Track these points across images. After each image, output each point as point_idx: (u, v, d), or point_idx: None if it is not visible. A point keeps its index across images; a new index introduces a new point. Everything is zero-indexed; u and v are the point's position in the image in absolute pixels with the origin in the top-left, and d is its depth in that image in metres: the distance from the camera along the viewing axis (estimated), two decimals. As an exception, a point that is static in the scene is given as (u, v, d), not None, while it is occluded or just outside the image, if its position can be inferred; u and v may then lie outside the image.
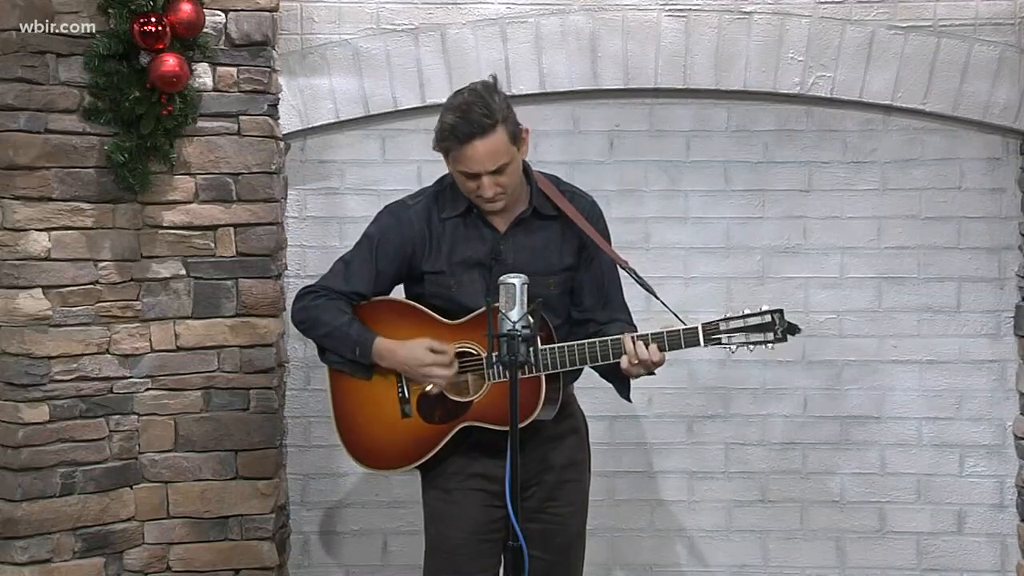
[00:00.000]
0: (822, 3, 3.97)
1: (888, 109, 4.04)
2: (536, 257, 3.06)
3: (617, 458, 4.06)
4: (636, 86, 4.02)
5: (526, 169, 3.08)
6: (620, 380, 3.08)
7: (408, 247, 3.08)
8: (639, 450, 4.14)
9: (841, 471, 4.13)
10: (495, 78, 3.03)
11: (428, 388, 3.04)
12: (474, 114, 2.91)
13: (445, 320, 3.05)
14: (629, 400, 3.15)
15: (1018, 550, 4.09)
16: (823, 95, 4.00)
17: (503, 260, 3.04)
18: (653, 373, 2.99)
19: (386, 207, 3.17)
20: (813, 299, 4.04)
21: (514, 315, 2.67)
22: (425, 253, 3.07)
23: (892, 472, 4.12)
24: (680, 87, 4.02)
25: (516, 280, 2.68)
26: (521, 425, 2.88)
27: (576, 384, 3.20)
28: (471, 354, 3.03)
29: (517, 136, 2.96)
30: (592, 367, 3.03)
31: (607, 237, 3.17)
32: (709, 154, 4.09)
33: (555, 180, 3.15)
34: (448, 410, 3.04)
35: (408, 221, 3.09)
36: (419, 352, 3.01)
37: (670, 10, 3.98)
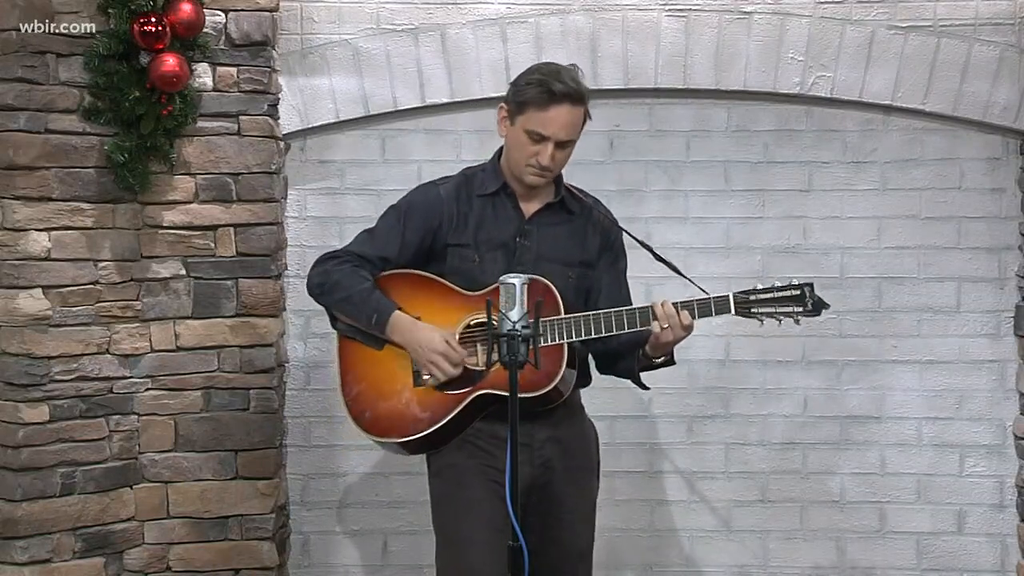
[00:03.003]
0: (822, 3, 3.98)
1: (888, 109, 4.04)
2: (559, 245, 3.07)
3: (617, 458, 4.06)
4: (636, 86, 4.02)
5: None
6: (639, 369, 3.08)
7: (435, 220, 3.06)
8: (639, 450, 4.14)
9: (841, 471, 4.13)
10: (576, 66, 3.08)
11: (425, 377, 3.00)
12: (574, 82, 2.99)
13: (463, 291, 3.03)
14: (645, 387, 3.15)
15: (1018, 550, 4.09)
16: (823, 95, 4.01)
17: (527, 244, 3.04)
18: (662, 361, 3.00)
19: (416, 186, 3.19)
20: (813, 299, 4.03)
21: (514, 315, 2.66)
22: (452, 226, 3.06)
23: (892, 472, 4.12)
24: (680, 87, 4.03)
25: (516, 280, 2.66)
26: (538, 393, 2.89)
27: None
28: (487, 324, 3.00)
29: (584, 122, 3.04)
30: (597, 355, 3.04)
31: (623, 246, 3.21)
32: (709, 154, 4.09)
33: (580, 189, 3.19)
34: (463, 377, 3.00)
35: (437, 196, 3.09)
36: (435, 339, 2.97)
37: (670, 10, 3.99)
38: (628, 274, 3.23)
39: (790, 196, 4.10)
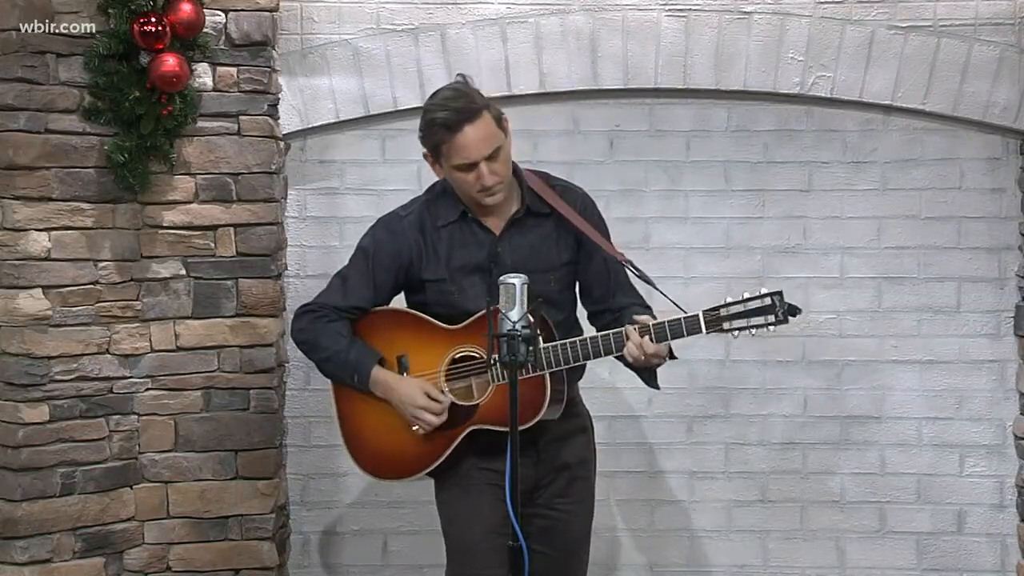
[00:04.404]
0: (822, 3, 3.97)
1: (888, 109, 4.04)
2: (534, 255, 3.06)
3: (617, 458, 4.06)
4: (636, 86, 4.02)
5: (515, 169, 3.09)
6: (645, 370, 3.07)
7: (404, 257, 3.08)
8: (639, 450, 4.14)
9: (841, 471, 4.13)
10: (464, 76, 3.07)
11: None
12: (458, 103, 2.94)
13: (444, 326, 3.05)
14: (657, 387, 3.11)
15: (1018, 550, 4.09)
16: (823, 95, 4.00)
17: (501, 262, 3.03)
18: (661, 362, 2.97)
19: (379, 220, 3.18)
20: (813, 299, 4.04)
21: (514, 315, 2.66)
22: (423, 262, 3.08)
23: (892, 472, 4.12)
24: (680, 87, 4.02)
25: (516, 280, 2.68)
26: (527, 426, 2.92)
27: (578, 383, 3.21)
28: (473, 357, 3.03)
29: (501, 121, 2.99)
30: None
31: (603, 227, 3.17)
32: (709, 154, 4.09)
33: (545, 176, 3.15)
34: (455, 415, 3.04)
35: (402, 232, 3.09)
36: (415, 394, 3.02)
37: (670, 10, 3.98)
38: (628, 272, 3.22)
39: (790, 196, 4.10)
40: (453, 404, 3.03)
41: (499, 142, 2.96)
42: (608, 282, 3.15)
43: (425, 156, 3.05)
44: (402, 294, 3.18)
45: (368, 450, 3.14)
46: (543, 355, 2.91)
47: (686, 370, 4.06)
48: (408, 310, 3.14)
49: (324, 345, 3.10)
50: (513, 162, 3.07)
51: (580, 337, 2.97)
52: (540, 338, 2.89)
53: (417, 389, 3.02)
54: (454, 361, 3.05)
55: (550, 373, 2.95)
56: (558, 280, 3.09)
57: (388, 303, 3.16)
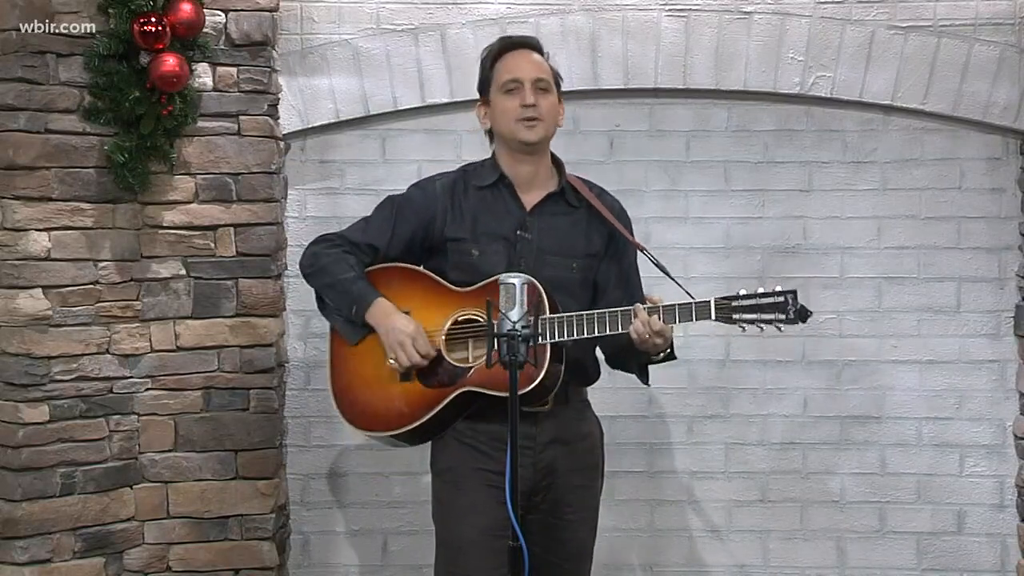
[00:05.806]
0: (822, 3, 3.98)
1: (888, 109, 4.04)
2: (561, 238, 3.08)
3: (617, 458, 4.04)
4: (636, 86, 4.02)
5: (556, 159, 3.15)
6: (638, 365, 3.07)
7: (427, 214, 3.10)
8: (639, 450, 4.14)
9: (841, 471, 4.13)
10: None
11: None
12: (523, 37, 3.22)
13: (454, 288, 3.04)
14: (647, 384, 3.14)
15: (1018, 550, 4.09)
16: (823, 95, 4.01)
17: (528, 237, 3.04)
18: (662, 357, 2.98)
19: (417, 180, 3.24)
20: (813, 299, 4.03)
21: (514, 315, 2.66)
22: (447, 220, 3.08)
23: (892, 472, 4.12)
24: (680, 87, 4.03)
25: (516, 280, 2.66)
26: (521, 392, 2.84)
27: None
28: (477, 321, 3.01)
29: (559, 82, 3.13)
30: (604, 350, 3.06)
31: (632, 234, 3.20)
32: (709, 154, 4.09)
33: (585, 179, 3.20)
34: (448, 374, 3.01)
35: (432, 192, 3.13)
36: (408, 325, 3.00)
37: (670, 10, 3.99)
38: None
39: (790, 196, 4.10)
40: (448, 363, 3.01)
41: (547, 77, 3.07)
42: (628, 287, 3.15)
43: (477, 109, 3.14)
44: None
45: (357, 401, 3.10)
46: (546, 326, 2.89)
47: (686, 370, 4.06)
48: (420, 269, 3.13)
49: (332, 271, 3.08)
50: (556, 154, 3.15)
51: (587, 311, 2.95)
52: (546, 306, 2.90)
53: (412, 323, 3.01)
54: (457, 323, 3.03)
55: (551, 346, 2.91)
56: (580, 269, 3.09)
57: (403, 261, 3.14)
